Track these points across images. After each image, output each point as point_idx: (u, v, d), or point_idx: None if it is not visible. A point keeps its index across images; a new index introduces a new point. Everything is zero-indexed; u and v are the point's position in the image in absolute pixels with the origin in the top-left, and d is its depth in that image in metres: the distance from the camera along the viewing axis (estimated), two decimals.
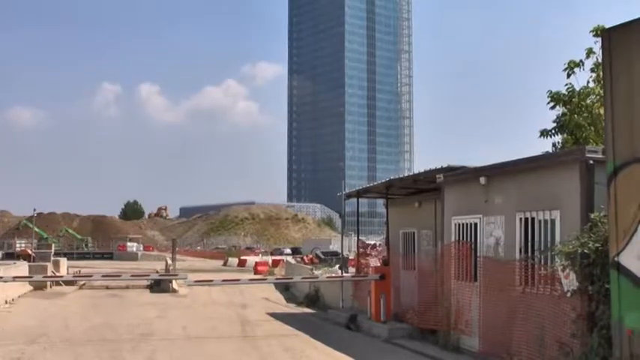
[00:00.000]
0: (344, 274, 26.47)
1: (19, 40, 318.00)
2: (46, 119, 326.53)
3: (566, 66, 15.95)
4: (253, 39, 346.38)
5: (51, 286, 31.01)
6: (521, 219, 12.31)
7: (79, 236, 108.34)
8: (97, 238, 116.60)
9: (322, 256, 60.22)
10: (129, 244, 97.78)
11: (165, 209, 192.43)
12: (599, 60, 14.14)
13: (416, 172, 19.67)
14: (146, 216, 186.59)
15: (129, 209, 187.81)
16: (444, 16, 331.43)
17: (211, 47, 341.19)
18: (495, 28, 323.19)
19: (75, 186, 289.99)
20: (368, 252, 27.95)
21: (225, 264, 68.96)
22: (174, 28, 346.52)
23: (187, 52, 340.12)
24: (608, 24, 8.74)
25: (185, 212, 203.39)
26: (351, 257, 37.32)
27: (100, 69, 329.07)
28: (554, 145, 16.38)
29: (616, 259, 7.98)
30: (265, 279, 31.84)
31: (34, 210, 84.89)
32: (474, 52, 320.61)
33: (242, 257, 71.03)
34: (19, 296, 26.45)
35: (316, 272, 32.63)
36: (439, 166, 15.59)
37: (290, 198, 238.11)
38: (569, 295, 10.06)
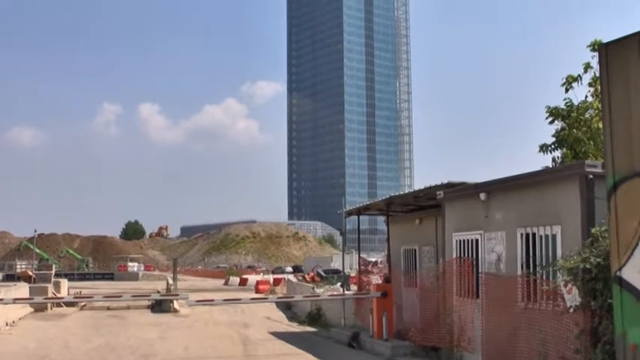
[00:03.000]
0: (345, 292, 26.37)
1: (20, 61, 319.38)
2: (47, 140, 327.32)
3: (564, 81, 16.00)
4: (252, 57, 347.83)
5: (52, 308, 30.90)
6: (522, 234, 12.28)
7: (79, 257, 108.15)
8: (97, 259, 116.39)
9: (323, 274, 60.01)
10: (130, 264, 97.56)
11: (166, 229, 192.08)
12: (597, 74, 14.18)
13: (416, 188, 19.64)
14: (147, 236, 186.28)
15: (130, 229, 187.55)
16: (443, 31, 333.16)
17: (211, 66, 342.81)
18: (494, 43, 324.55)
19: (76, 206, 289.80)
20: (369, 269, 27.88)
21: (226, 283, 68.76)
22: (173, 47, 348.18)
23: (187, 72, 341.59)
24: (605, 39, 8.76)
25: (186, 231, 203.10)
26: (352, 275, 37.21)
27: (101, 89, 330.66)
28: (553, 159, 16.38)
29: (618, 273, 7.93)
30: (267, 298, 31.69)
31: (35, 231, 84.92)
32: (473, 68, 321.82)
33: (243, 276, 70.81)
34: (19, 318, 26.34)
35: (318, 290, 32.50)
36: (439, 183, 15.58)
37: (291, 216, 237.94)
38: (571, 310, 10.01)
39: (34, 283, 37.65)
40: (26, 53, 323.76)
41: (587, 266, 9.11)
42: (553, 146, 16.33)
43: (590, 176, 10.38)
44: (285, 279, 52.13)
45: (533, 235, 11.92)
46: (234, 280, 68.85)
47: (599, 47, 8.33)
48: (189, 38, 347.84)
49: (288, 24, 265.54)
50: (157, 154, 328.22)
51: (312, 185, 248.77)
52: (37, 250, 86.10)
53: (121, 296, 26.38)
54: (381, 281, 20.81)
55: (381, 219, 24.75)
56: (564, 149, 16.13)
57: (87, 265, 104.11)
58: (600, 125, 13.71)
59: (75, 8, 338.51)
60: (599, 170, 10.00)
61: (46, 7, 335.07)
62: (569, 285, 9.88)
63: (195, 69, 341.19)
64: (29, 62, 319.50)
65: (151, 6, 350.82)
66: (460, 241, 14.58)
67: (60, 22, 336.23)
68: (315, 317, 25.99)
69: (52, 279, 36.83)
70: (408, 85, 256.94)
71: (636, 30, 7.62)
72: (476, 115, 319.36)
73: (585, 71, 15.67)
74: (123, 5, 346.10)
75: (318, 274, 61.61)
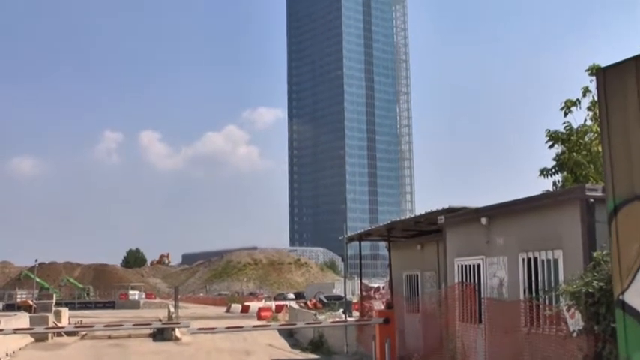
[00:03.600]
0: (348, 319, 26.23)
1: (21, 91, 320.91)
2: (48, 169, 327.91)
3: (563, 105, 16.07)
4: (253, 84, 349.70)
5: (52, 337, 30.72)
6: (523, 259, 12.25)
7: (80, 285, 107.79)
8: (98, 287, 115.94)
9: (326, 301, 59.78)
10: (131, 292, 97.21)
11: (168, 256, 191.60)
12: (596, 98, 14.24)
13: (418, 213, 19.64)
14: (148, 263, 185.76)
15: (131, 257, 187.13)
16: (442, 56, 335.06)
17: (211, 93, 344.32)
18: (492, 67, 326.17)
19: (76, 235, 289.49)
20: (372, 295, 27.82)
21: (228, 310, 68.46)
22: (174, 74, 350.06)
23: (188, 99, 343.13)
24: (604, 63, 8.80)
25: (187, 259, 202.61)
26: (354, 301, 37.03)
27: (102, 118, 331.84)
28: (554, 183, 16.40)
29: (621, 297, 7.89)
30: (269, 325, 31.55)
31: (36, 260, 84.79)
32: (473, 92, 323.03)
33: (245, 303, 70.54)
34: (20, 348, 26.18)
35: (320, 317, 32.33)
36: (440, 208, 15.58)
37: (292, 242, 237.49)
38: (574, 334, 9.95)
39: (35, 312, 37.50)
40: (27, 83, 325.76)
41: (590, 290, 9.08)
42: (553, 170, 16.36)
43: (591, 200, 10.38)
44: (287, 306, 51.90)
45: (535, 259, 11.89)
46: (236, 307, 68.56)
47: (596, 71, 8.38)
48: (190, 65, 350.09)
49: (288, 50, 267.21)
50: (158, 182, 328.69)
51: (314, 211, 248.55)
52: (38, 279, 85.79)
53: (122, 325, 26.19)
54: (383, 307, 20.72)
55: (383, 244, 24.71)
56: (564, 173, 16.15)
57: (88, 294, 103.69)
58: (600, 149, 13.73)
59: (75, 38, 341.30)
60: (599, 194, 10.00)
61: (47, 37, 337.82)
62: (572, 309, 9.83)
63: (195, 96, 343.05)
64: (30, 92, 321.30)
65: (152, 35, 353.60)
66: (462, 266, 14.54)
67: (60, 52, 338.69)
68: (317, 344, 25.84)
69: (53, 308, 36.70)
70: (408, 110, 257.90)
71: (633, 54, 7.67)
72: (476, 139, 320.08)
73: (584, 95, 15.75)
74: (123, 34, 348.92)
75: (320, 301, 61.37)
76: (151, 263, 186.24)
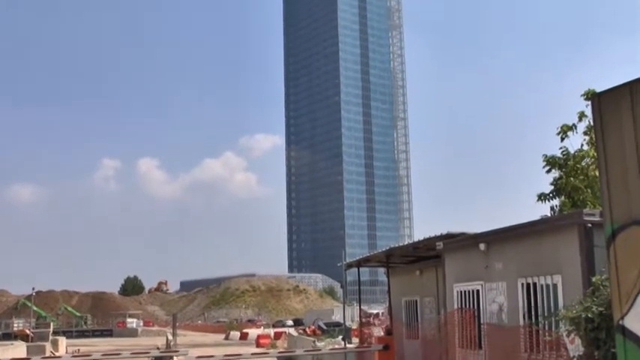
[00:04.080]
0: (347, 345, 26.08)
1: (19, 118, 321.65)
2: (46, 196, 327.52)
3: (560, 130, 16.15)
4: (250, 111, 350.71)
5: None
6: (523, 284, 12.23)
7: (78, 314, 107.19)
8: (96, 315, 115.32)
9: (325, 327, 59.48)
10: (129, 320, 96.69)
11: (166, 283, 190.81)
12: (592, 123, 14.30)
13: (416, 238, 19.63)
14: (146, 291, 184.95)
15: (129, 285, 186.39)
16: (438, 81, 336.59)
17: (209, 120, 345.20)
18: (489, 92, 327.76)
19: (74, 263, 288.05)
20: (371, 321, 27.68)
21: (227, 338, 68.05)
22: (172, 102, 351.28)
23: (186, 126, 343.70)
24: (599, 88, 8.86)
25: (186, 286, 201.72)
26: (353, 327, 36.85)
27: (100, 145, 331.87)
28: (552, 208, 16.42)
29: (621, 322, 7.86)
30: (268, 352, 31.35)
31: (33, 289, 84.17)
32: (469, 117, 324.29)
33: (244, 330, 70.15)
34: None
35: (319, 344, 32.14)
36: (439, 233, 15.58)
37: (291, 268, 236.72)
38: None
39: (32, 341, 37.24)
40: (25, 110, 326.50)
41: (590, 315, 9.05)
42: (551, 195, 16.39)
43: (589, 225, 10.39)
44: (286, 333, 51.65)
45: (534, 284, 11.87)
46: (235, 334, 68.18)
47: (592, 97, 8.45)
48: (188, 93, 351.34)
49: (286, 77, 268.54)
50: (156, 209, 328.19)
51: (312, 237, 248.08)
52: (35, 308, 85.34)
53: (119, 353, 26.01)
54: (382, 333, 20.61)
55: (382, 270, 24.65)
56: (562, 198, 16.18)
57: (85, 322, 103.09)
58: (597, 173, 13.78)
59: (73, 66, 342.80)
60: (597, 219, 10.01)
61: (45, 66, 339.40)
62: (572, 335, 9.79)
63: (193, 123, 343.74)
64: (28, 119, 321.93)
65: (150, 62, 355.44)
66: (461, 291, 14.50)
67: (58, 80, 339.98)
68: None
69: (50, 337, 36.47)
70: (406, 136, 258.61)
71: (628, 80, 7.72)
72: (474, 164, 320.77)
73: (580, 120, 15.83)
74: (121, 62, 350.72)
75: (320, 328, 61.07)
76: (149, 291, 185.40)
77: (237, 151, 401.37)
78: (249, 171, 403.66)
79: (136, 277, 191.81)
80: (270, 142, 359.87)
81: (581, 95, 15.49)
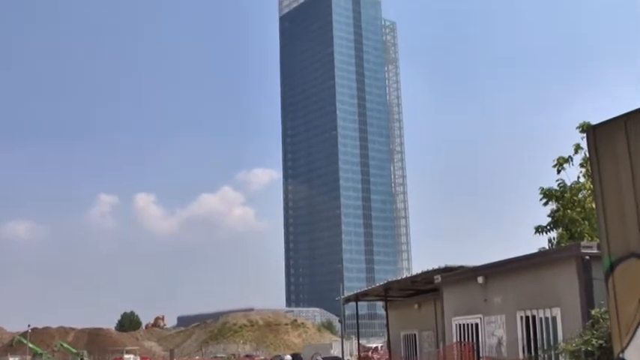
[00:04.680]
0: None
1: (15, 155, 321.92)
2: (42, 232, 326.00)
3: (556, 162, 16.20)
4: (248, 145, 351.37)
5: None
6: (522, 317, 12.17)
7: (74, 350, 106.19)
8: (93, 352, 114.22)
9: None
10: (125, 356, 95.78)
11: (163, 319, 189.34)
12: (587, 155, 14.37)
13: (414, 271, 19.58)
14: (143, 326, 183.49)
15: (125, 320, 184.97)
16: (435, 115, 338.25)
17: (206, 155, 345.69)
18: (485, 125, 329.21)
19: (70, 299, 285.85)
20: (370, 356, 27.47)
21: None
22: (168, 136, 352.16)
23: (182, 161, 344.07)
24: (594, 120, 8.91)
25: (183, 321, 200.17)
26: None
27: (97, 181, 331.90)
28: (550, 240, 16.42)
29: (621, 355, 7.81)
30: None
31: (29, 326, 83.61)
32: (466, 150, 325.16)
33: None
34: None
35: None
36: (437, 267, 15.54)
37: (289, 303, 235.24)
38: None
39: None
40: (21, 147, 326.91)
41: (590, 349, 9.00)
42: (548, 227, 16.39)
43: (587, 257, 10.39)
44: None
45: (533, 317, 11.82)
46: None
47: (587, 130, 8.49)
48: (185, 127, 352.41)
49: (283, 111, 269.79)
50: (152, 244, 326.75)
51: (310, 271, 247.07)
52: (31, 345, 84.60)
53: None
54: None
55: (381, 303, 24.53)
56: (560, 230, 16.18)
57: (82, 359, 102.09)
58: (594, 205, 13.80)
59: (69, 101, 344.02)
60: (595, 251, 10.01)
61: (41, 101, 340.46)
62: None
63: (190, 157, 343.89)
64: (25, 155, 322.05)
65: (146, 96, 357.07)
66: (460, 325, 14.41)
67: (55, 115, 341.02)
68: None
69: None
70: (403, 169, 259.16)
71: (623, 112, 7.77)
72: (471, 197, 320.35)
73: (576, 152, 15.91)
74: (117, 97, 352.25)
75: None
76: (146, 326, 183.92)
77: (235, 186, 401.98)
78: (247, 205, 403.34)
79: (132, 313, 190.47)
80: (268, 176, 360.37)
81: (577, 127, 15.58)
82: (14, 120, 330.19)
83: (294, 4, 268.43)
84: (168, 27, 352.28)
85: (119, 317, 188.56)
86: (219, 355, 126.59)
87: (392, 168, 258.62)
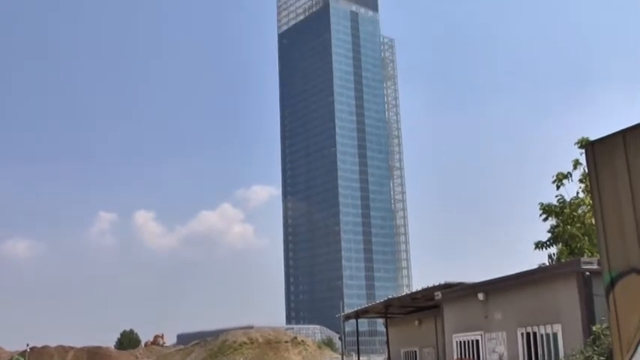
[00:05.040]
0: None
1: (14, 172, 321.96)
2: (41, 250, 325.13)
3: (556, 178, 16.21)
4: (247, 162, 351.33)
5: None
6: (522, 334, 12.12)
7: None
8: None
9: None
10: None
11: (162, 337, 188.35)
12: (587, 171, 14.38)
13: (415, 288, 19.54)
14: (142, 345, 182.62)
15: (125, 339, 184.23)
16: (433, 131, 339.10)
17: (205, 172, 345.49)
18: (484, 140, 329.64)
19: (69, 317, 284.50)
20: None
21: None
22: (167, 154, 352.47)
23: (182, 178, 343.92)
24: (593, 135, 8.93)
25: (182, 339, 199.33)
26: None
27: (96, 198, 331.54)
28: (549, 256, 16.40)
29: None
30: None
31: (27, 345, 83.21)
32: (465, 165, 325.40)
33: None
34: None
35: None
36: (437, 283, 15.50)
37: (289, 320, 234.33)
38: None
39: None
40: (20, 165, 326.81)
41: None
42: (548, 243, 16.38)
43: (587, 273, 10.36)
44: None
45: (534, 334, 11.77)
46: None
47: (585, 146, 8.51)
48: (184, 144, 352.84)
49: (282, 128, 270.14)
50: (152, 261, 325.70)
51: (310, 288, 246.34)
52: None
53: None
54: None
55: (381, 320, 24.44)
56: (560, 245, 16.16)
57: None
58: (593, 221, 13.78)
59: (68, 119, 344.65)
60: (595, 267, 9.99)
61: (42, 119, 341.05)
62: None
63: (190, 174, 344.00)
64: (23, 173, 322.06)
65: (146, 114, 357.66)
66: (461, 342, 14.35)
67: (54, 133, 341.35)
68: None
69: None
70: (402, 185, 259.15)
71: (621, 128, 7.79)
72: (471, 212, 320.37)
73: (575, 168, 15.93)
74: (117, 115, 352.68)
75: None
76: (145, 344, 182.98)
77: (234, 203, 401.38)
78: (246, 222, 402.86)
79: (132, 331, 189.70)
80: (267, 193, 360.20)
81: (575, 143, 15.60)
82: (13, 137, 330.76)
83: (293, 22, 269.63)
84: (167, 45, 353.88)
85: (118, 335, 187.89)
86: None
87: (391, 184, 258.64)
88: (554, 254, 16.35)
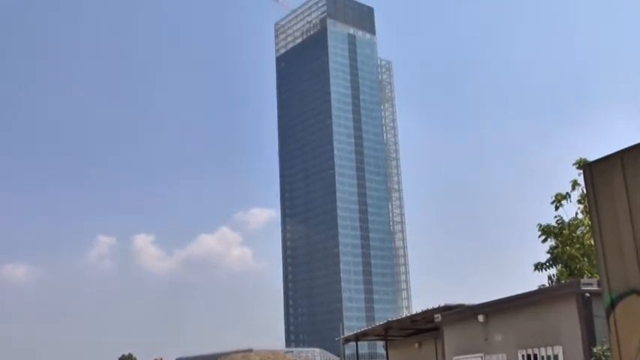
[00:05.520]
0: None
1: (12, 197, 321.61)
2: (40, 275, 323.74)
3: (554, 198, 16.22)
4: (245, 185, 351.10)
5: None
6: (523, 356, 12.07)
7: None
8: None
9: None
10: None
11: None
12: (585, 191, 14.40)
13: (414, 310, 19.49)
14: None
15: None
16: (432, 152, 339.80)
17: (204, 195, 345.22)
18: (482, 161, 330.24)
19: (68, 342, 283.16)
20: None
21: None
22: (166, 177, 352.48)
23: (180, 201, 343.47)
24: (591, 156, 8.95)
25: None
26: None
27: (95, 222, 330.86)
28: (549, 277, 16.37)
29: None
30: None
31: None
32: (464, 187, 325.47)
33: None
34: None
35: None
36: (437, 305, 15.44)
37: (288, 343, 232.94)
38: None
39: None
40: (18, 189, 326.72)
41: None
42: (548, 264, 16.36)
43: (587, 294, 10.34)
44: None
45: (535, 356, 11.72)
46: None
47: (584, 167, 8.53)
48: (182, 168, 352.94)
49: (280, 150, 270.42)
50: (151, 285, 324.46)
51: (309, 311, 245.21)
52: None
53: None
54: None
55: (381, 342, 24.32)
56: (559, 266, 16.14)
57: None
58: (593, 242, 13.77)
59: (69, 143, 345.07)
60: (595, 288, 9.98)
61: (40, 143, 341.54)
62: None
63: (188, 198, 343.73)
64: (22, 198, 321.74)
65: (144, 138, 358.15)
66: None
67: (52, 157, 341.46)
68: None
69: None
70: (401, 207, 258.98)
71: (619, 149, 7.81)
72: (470, 234, 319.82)
73: (573, 189, 15.94)
74: (116, 139, 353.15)
75: None
76: None
77: (233, 226, 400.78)
78: (245, 245, 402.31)
79: (130, 355, 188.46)
80: (266, 215, 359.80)
81: (573, 164, 15.63)
82: (12, 162, 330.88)
83: (291, 45, 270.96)
84: (167, 69, 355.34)
85: None
86: None
87: (390, 206, 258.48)
88: (554, 275, 16.32)
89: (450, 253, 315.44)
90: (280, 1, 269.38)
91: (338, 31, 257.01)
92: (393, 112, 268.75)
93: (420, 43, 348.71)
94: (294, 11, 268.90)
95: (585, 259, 15.54)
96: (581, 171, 15.18)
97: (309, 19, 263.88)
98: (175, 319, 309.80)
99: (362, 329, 22.99)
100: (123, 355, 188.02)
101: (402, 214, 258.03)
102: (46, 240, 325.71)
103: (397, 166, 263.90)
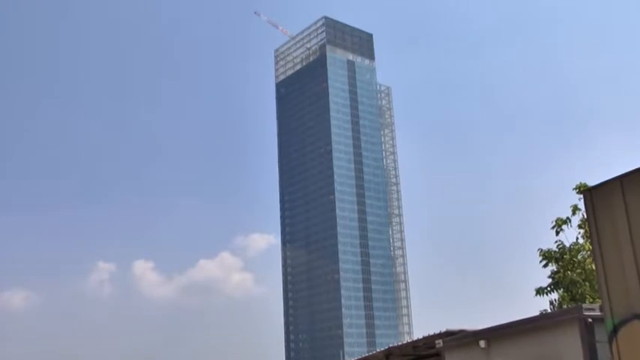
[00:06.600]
0: None
1: (11, 222, 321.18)
2: (39, 301, 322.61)
3: (555, 223, 16.21)
4: (245, 211, 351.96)
5: None
6: None
7: None
8: None
9: None
10: None
11: None
12: (585, 216, 14.39)
13: (416, 335, 19.33)
14: None
15: None
16: (432, 177, 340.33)
17: (204, 221, 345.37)
18: (483, 185, 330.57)
19: None
20: None
21: None
22: (167, 203, 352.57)
23: (181, 227, 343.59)
24: (591, 180, 8.95)
25: None
26: None
27: (94, 248, 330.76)
28: (551, 302, 16.30)
29: None
30: None
31: None
32: (464, 212, 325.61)
33: None
34: None
35: None
36: (438, 331, 15.34)
37: None
38: None
39: None
40: (18, 214, 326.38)
41: None
42: (549, 289, 16.30)
43: (589, 320, 10.27)
44: None
45: None
46: None
47: (584, 192, 8.52)
48: (182, 194, 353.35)
49: (280, 176, 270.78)
50: (150, 311, 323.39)
51: (310, 337, 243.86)
52: None
53: None
54: None
55: None
56: (561, 291, 16.08)
57: None
58: (594, 267, 13.74)
59: (68, 168, 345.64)
60: (597, 313, 9.91)
61: (40, 168, 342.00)
62: None
63: (188, 224, 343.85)
64: (20, 223, 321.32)
65: (144, 162, 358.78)
66: None
67: (51, 182, 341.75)
68: None
69: None
70: (401, 232, 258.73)
71: (619, 173, 7.81)
72: (471, 258, 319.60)
73: (574, 213, 15.93)
74: (116, 165, 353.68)
75: None
76: None
77: (233, 251, 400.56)
78: (245, 271, 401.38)
79: None
80: (266, 241, 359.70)
81: (573, 189, 15.65)
82: (11, 187, 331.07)
83: (290, 71, 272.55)
84: (166, 94, 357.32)
85: None
86: None
87: (390, 232, 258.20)
88: (555, 300, 16.27)
89: (451, 277, 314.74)
90: (280, 28, 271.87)
91: (337, 57, 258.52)
92: (393, 138, 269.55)
93: (418, 68, 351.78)
94: (293, 38, 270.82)
95: (587, 283, 15.50)
96: (582, 196, 15.18)
97: (308, 45, 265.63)
98: (176, 344, 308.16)
99: (363, 355, 22.79)
100: None
101: (402, 239, 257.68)
102: (45, 266, 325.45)
103: (397, 191, 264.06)
